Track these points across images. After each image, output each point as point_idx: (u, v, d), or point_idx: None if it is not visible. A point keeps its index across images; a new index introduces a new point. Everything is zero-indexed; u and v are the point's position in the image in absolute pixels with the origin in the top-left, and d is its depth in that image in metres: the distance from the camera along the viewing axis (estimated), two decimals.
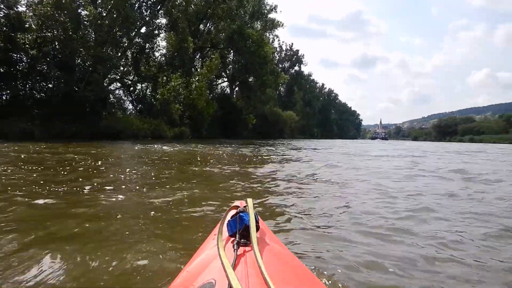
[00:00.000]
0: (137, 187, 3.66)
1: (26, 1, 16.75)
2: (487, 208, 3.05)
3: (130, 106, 26.40)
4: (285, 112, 49.68)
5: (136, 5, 22.31)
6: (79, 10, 18.43)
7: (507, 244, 2.07)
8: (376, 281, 1.47)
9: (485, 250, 1.95)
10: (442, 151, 16.07)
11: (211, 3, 29.43)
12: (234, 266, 0.68)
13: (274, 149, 13.90)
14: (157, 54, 25.78)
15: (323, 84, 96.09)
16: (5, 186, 3.36)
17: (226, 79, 38.82)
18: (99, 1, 20.15)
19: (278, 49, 56.75)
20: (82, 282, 1.39)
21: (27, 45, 16.58)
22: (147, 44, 24.29)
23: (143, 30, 23.38)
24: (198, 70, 29.19)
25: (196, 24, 31.00)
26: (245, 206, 0.94)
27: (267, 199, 3.17)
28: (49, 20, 16.78)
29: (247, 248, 0.78)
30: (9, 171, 4.58)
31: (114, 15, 19.81)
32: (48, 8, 16.38)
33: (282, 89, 58.83)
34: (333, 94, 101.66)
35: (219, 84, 38.33)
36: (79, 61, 19.15)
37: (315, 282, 0.79)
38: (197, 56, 33.35)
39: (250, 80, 36.01)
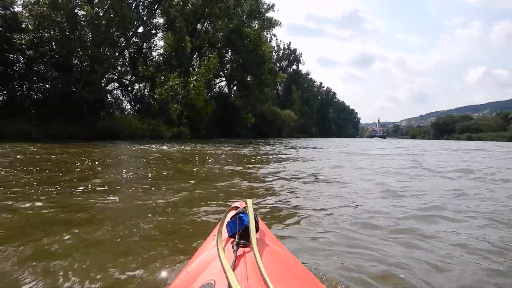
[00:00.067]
0: (134, 189, 3.61)
1: (22, 2, 16.68)
2: (497, 208, 2.98)
3: (128, 106, 26.38)
4: (283, 111, 49.71)
5: (133, 4, 22.23)
6: (76, 10, 18.32)
7: None
8: (378, 282, 1.45)
9: (500, 252, 1.86)
10: (442, 150, 16.09)
11: (208, 2, 29.38)
12: (233, 267, 0.68)
13: (273, 148, 13.90)
14: (154, 54, 25.74)
15: (321, 83, 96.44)
16: None
17: (224, 79, 38.80)
18: (96, 1, 20.07)
19: (275, 48, 56.76)
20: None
21: (23, 46, 16.48)
22: (145, 44, 24.22)
23: (140, 30, 23.31)
24: (196, 69, 29.14)
25: (193, 24, 30.96)
26: (244, 207, 0.94)
27: (267, 200, 3.15)
28: (45, 21, 16.69)
29: (246, 249, 0.78)
30: (3, 172, 4.53)
31: (111, 15, 19.73)
32: (45, 8, 16.29)
33: (280, 88, 58.86)
34: (331, 93, 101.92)
35: (217, 83, 38.31)
36: (76, 61, 19.06)
37: (314, 282, 0.79)
38: (195, 56, 33.30)
39: (248, 79, 36.01)
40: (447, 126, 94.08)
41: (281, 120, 48.30)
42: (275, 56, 57.10)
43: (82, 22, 18.66)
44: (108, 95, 22.98)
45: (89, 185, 3.63)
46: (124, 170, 5.09)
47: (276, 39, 55.36)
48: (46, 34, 17.39)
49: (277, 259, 0.81)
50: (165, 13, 24.45)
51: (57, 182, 3.78)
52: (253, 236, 0.79)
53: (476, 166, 7.01)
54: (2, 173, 4.51)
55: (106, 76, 21.99)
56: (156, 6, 23.80)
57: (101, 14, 19.78)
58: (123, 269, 1.49)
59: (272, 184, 4.13)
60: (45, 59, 17.29)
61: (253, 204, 0.94)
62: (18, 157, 6.84)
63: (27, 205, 2.61)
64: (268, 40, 40.02)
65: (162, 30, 25.23)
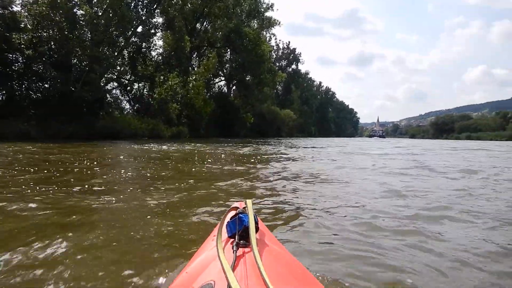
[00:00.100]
0: (132, 189, 3.57)
1: (21, 1, 16.62)
2: (503, 208, 2.96)
3: (127, 106, 26.37)
4: (282, 111, 49.74)
5: (132, 4, 22.20)
6: (75, 10, 18.28)
7: None
8: (378, 283, 1.45)
9: (508, 254, 1.81)
10: (442, 149, 16.05)
11: (208, 2, 29.36)
12: (233, 268, 0.68)
13: (272, 147, 13.90)
14: (153, 53, 25.68)
15: (320, 83, 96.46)
16: None
17: (223, 78, 38.80)
18: (95, 0, 20.03)
19: (275, 48, 56.79)
20: None
21: (22, 45, 16.44)
22: (144, 44, 24.17)
23: (139, 29, 23.28)
24: (195, 69, 29.13)
25: (192, 23, 30.92)
26: (244, 207, 0.94)
27: (267, 200, 3.13)
28: (44, 20, 16.66)
29: (246, 249, 0.78)
30: None
31: (110, 15, 19.69)
32: (43, 8, 16.25)
33: (279, 87, 58.87)
34: (330, 92, 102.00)
35: (216, 83, 38.33)
36: (75, 61, 19.04)
37: (314, 283, 0.79)
38: (194, 55, 33.29)
39: (247, 78, 36.00)
40: (446, 126, 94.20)
41: (281, 119, 48.32)
42: (274, 56, 57.12)
43: (81, 22, 18.62)
44: (107, 95, 22.95)
45: (86, 185, 3.58)
46: (123, 170, 5.05)
47: (275, 39, 55.45)
48: (45, 34, 17.36)
49: (277, 260, 0.81)
50: (164, 12, 24.41)
51: (54, 182, 3.75)
52: (253, 236, 0.79)
53: (479, 166, 6.97)
54: None
55: (105, 75, 21.96)
56: (155, 5, 23.76)
57: (100, 14, 19.73)
58: (117, 276, 1.43)
59: (272, 184, 4.12)
60: (44, 59, 17.25)
61: (253, 204, 0.95)
62: (15, 157, 6.81)
63: (21, 206, 2.53)
64: (267, 39, 40.08)
65: (161, 29, 25.21)
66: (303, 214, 2.64)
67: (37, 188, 3.35)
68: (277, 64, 57.97)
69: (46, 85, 17.99)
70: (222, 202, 2.94)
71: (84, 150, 9.14)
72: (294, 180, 4.49)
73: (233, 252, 0.75)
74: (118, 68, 23.94)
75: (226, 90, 39.12)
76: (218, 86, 39.29)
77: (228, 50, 35.86)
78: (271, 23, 37.47)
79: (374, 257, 1.72)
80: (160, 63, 25.32)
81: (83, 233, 1.96)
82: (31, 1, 16.56)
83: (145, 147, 11.47)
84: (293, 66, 63.99)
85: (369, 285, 1.45)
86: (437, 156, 10.40)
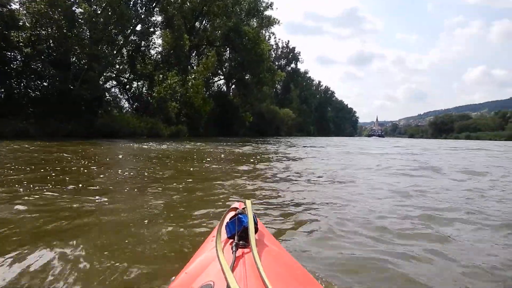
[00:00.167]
0: (129, 189, 3.49)
1: None
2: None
3: (126, 104, 26.35)
4: (281, 110, 49.75)
5: (131, 2, 22.15)
6: (73, 8, 18.24)
7: None
8: (378, 284, 1.44)
9: None
10: (442, 149, 16.01)
11: (207, 0, 29.29)
12: (232, 268, 0.68)
13: (271, 147, 13.90)
14: (152, 52, 25.68)
15: (319, 82, 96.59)
16: None
17: (222, 77, 38.75)
18: None
19: (274, 47, 56.71)
20: None
21: (21, 43, 16.39)
22: (143, 42, 24.14)
23: (138, 27, 23.26)
24: (195, 68, 29.09)
25: (191, 22, 30.86)
26: (243, 208, 0.95)
27: (266, 200, 3.09)
28: (43, 18, 16.60)
29: (245, 250, 0.78)
30: None
31: (109, 13, 19.64)
32: (42, 6, 16.20)
33: (278, 86, 58.83)
34: (330, 92, 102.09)
35: (215, 82, 38.27)
36: (74, 59, 19.00)
37: (313, 283, 0.79)
38: (193, 54, 33.24)
39: (246, 77, 35.98)
40: (445, 125, 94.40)
41: (280, 118, 48.34)
42: (274, 55, 57.11)
43: (80, 20, 18.57)
44: (106, 93, 22.91)
45: (82, 185, 3.50)
46: (120, 170, 4.97)
47: (275, 38, 55.59)
48: (43, 32, 17.32)
49: (276, 260, 0.81)
50: (163, 11, 24.37)
51: (49, 181, 3.67)
52: (252, 237, 0.79)
53: (482, 166, 6.90)
54: None
55: (104, 74, 21.93)
56: (154, 4, 23.73)
57: (99, 12, 19.68)
58: (116, 277, 1.39)
59: (271, 184, 4.08)
60: (42, 57, 17.21)
61: (252, 205, 0.95)
62: (13, 155, 6.79)
63: (11, 208, 2.43)
64: (267, 38, 40.04)
65: (160, 28, 25.17)
66: (303, 214, 2.59)
67: (31, 187, 3.25)
68: (276, 63, 57.95)
69: (44, 83, 17.95)
70: (221, 202, 2.91)
71: (82, 149, 9.12)
72: (294, 180, 4.46)
73: (233, 253, 0.75)
74: (117, 66, 23.90)
75: (225, 89, 39.09)
76: (217, 85, 39.30)
77: (227, 49, 35.82)
78: (270, 22, 37.42)
79: (380, 261, 1.65)
80: (159, 62, 25.28)
81: (72, 240, 1.82)
82: None
83: (144, 146, 11.45)
84: (292, 65, 64.06)
85: (354, 266, 1.43)
86: (438, 156, 10.37)
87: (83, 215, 2.37)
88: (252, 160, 7.34)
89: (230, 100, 35.82)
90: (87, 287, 1.35)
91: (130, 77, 25.14)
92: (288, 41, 67.51)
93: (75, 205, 2.62)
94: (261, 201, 3.05)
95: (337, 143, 22.10)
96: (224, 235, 0.88)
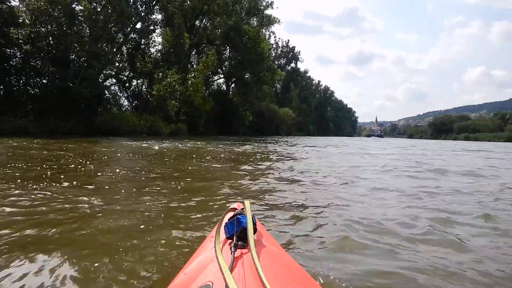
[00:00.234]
0: (126, 189, 3.41)
1: None
2: None
3: (126, 102, 26.34)
4: (281, 109, 49.74)
5: (131, 0, 22.09)
6: (73, 5, 18.19)
7: None
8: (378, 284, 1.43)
9: None
10: (443, 150, 15.95)
11: None
12: (231, 269, 0.69)
13: (271, 146, 13.88)
14: (152, 50, 25.61)
15: (319, 81, 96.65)
16: None
17: (222, 76, 38.71)
18: None
19: (274, 46, 56.64)
20: None
21: (20, 40, 16.36)
22: (143, 40, 24.09)
23: (138, 25, 23.19)
24: (194, 66, 29.03)
25: (192, 20, 30.81)
26: (242, 208, 0.95)
27: (265, 201, 3.06)
28: (42, 15, 16.56)
29: (244, 250, 0.78)
30: None
31: (109, 11, 19.60)
32: (42, 3, 16.16)
33: (278, 86, 58.80)
34: (329, 91, 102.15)
35: (215, 80, 38.23)
36: (73, 56, 18.95)
37: (312, 284, 0.80)
38: (193, 53, 33.19)
39: (246, 76, 35.96)
40: (444, 126, 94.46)
41: (279, 118, 48.32)
42: (274, 54, 57.05)
43: (80, 17, 18.54)
44: (106, 91, 22.89)
45: (78, 184, 3.40)
46: (118, 169, 4.90)
47: (275, 37, 55.38)
48: (43, 29, 17.27)
49: (275, 261, 0.81)
50: (163, 9, 24.32)
51: (44, 179, 3.59)
52: (251, 237, 0.79)
53: (487, 168, 6.83)
54: None
55: (104, 72, 21.89)
56: (155, 2, 23.68)
57: (99, 10, 19.65)
58: (114, 278, 1.34)
59: (271, 184, 4.05)
60: (42, 54, 17.17)
61: (251, 205, 0.95)
62: (10, 152, 6.76)
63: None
64: (267, 37, 40.03)
65: (160, 26, 25.12)
66: (303, 215, 2.54)
67: (24, 186, 3.16)
68: (276, 62, 57.90)
69: (44, 81, 17.92)
70: (220, 202, 2.88)
71: (81, 147, 9.10)
72: (295, 180, 4.42)
73: (231, 253, 0.75)
74: (117, 64, 23.86)
75: (225, 88, 39.04)
76: (217, 84, 39.25)
77: (228, 47, 35.79)
78: (270, 21, 37.41)
79: (384, 266, 1.58)
80: (159, 60, 25.24)
81: (57, 251, 1.67)
82: None
83: (143, 144, 11.43)
84: (292, 65, 64.01)
85: (354, 267, 1.39)
86: (441, 157, 10.32)
87: (76, 217, 2.25)
88: (252, 160, 7.32)
89: (229, 99, 35.81)
90: None
91: (129, 75, 25.11)
92: (288, 40, 67.43)
93: (67, 206, 2.51)
94: (261, 201, 3.02)
95: (337, 143, 22.08)
96: (223, 235, 0.89)
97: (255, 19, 36.35)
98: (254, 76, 34.46)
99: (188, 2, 28.67)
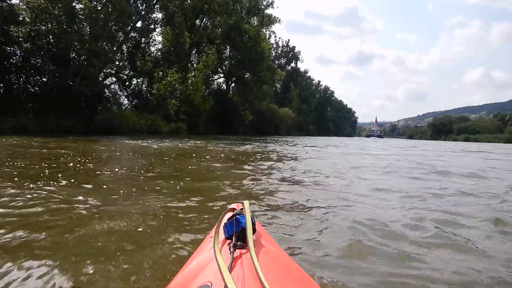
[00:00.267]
0: (125, 188, 3.38)
1: None
2: None
3: (126, 101, 26.32)
4: (281, 109, 49.76)
5: None
6: (74, 4, 18.19)
7: None
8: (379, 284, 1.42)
9: None
10: (444, 150, 15.94)
11: None
12: (230, 269, 0.68)
13: (271, 146, 13.88)
14: (153, 49, 25.62)
15: (319, 81, 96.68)
16: None
17: (222, 75, 38.72)
18: None
19: (274, 46, 56.68)
20: None
21: (20, 38, 16.35)
22: (143, 39, 24.10)
23: (139, 24, 23.21)
24: (195, 65, 29.03)
25: (192, 19, 30.80)
26: (241, 209, 0.95)
27: (265, 201, 3.04)
28: (43, 13, 16.55)
29: (243, 251, 0.78)
30: None
31: (110, 9, 19.59)
32: (42, 1, 16.15)
33: (278, 85, 58.81)
34: (329, 92, 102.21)
35: (215, 80, 38.25)
36: (74, 55, 18.96)
37: (311, 284, 0.80)
38: (194, 52, 33.20)
39: (246, 76, 35.98)
40: (444, 127, 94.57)
41: (279, 117, 48.32)
42: (274, 54, 57.07)
43: (80, 16, 18.53)
44: (106, 90, 22.88)
45: (76, 183, 3.36)
46: (117, 168, 4.87)
47: (275, 36, 55.42)
48: (43, 27, 17.27)
49: (274, 261, 0.81)
50: (164, 8, 24.30)
51: (42, 178, 3.57)
52: (250, 237, 0.79)
53: (489, 169, 6.82)
54: None
55: (104, 70, 21.90)
56: (155, 0, 23.66)
57: (99, 8, 19.64)
58: (113, 279, 1.31)
59: (271, 184, 4.04)
60: (42, 52, 17.15)
61: (250, 205, 0.95)
62: (9, 151, 6.75)
63: None
64: (267, 37, 40.05)
65: (160, 25, 25.14)
66: (306, 216, 2.51)
67: (21, 184, 3.13)
68: (276, 62, 57.92)
69: (44, 79, 17.92)
70: (220, 203, 2.86)
71: (81, 145, 9.10)
72: (296, 181, 4.40)
73: (230, 254, 0.75)
74: (117, 63, 23.88)
75: (225, 87, 39.06)
76: (217, 83, 39.28)
77: (228, 47, 35.81)
78: (271, 20, 37.41)
79: (385, 265, 1.56)
80: (159, 59, 25.24)
81: (58, 239, 1.69)
82: None
83: (143, 143, 11.43)
84: (292, 64, 64.05)
85: (354, 267, 1.37)
86: (442, 158, 10.31)
87: (72, 218, 2.20)
88: (251, 159, 7.32)
89: (229, 98, 35.83)
90: None
91: (130, 74, 25.11)
92: (288, 40, 67.35)
93: (63, 206, 2.45)
94: (262, 202, 2.99)
95: (337, 143, 22.08)
96: (222, 236, 0.88)
97: (255, 18, 36.36)
98: (254, 76, 34.48)
99: (189, 1, 28.66)
